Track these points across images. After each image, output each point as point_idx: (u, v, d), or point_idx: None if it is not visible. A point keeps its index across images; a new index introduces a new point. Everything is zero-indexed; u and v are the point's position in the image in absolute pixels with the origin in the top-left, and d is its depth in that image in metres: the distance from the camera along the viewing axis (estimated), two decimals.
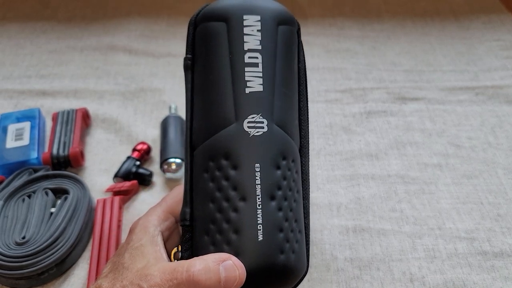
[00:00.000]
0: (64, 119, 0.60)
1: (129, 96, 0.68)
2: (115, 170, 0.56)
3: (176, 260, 0.36)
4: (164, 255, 0.35)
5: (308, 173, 0.38)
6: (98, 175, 0.57)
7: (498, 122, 0.64)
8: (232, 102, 0.34)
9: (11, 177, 0.52)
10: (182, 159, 0.55)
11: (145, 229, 0.37)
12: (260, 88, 0.34)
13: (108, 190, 0.54)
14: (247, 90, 0.34)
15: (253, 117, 0.34)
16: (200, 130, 0.36)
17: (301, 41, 0.39)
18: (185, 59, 0.37)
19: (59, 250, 0.45)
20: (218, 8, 0.36)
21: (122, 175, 0.55)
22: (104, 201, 0.52)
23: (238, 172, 0.33)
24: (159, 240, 0.36)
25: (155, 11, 0.86)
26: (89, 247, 0.49)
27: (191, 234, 0.35)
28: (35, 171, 0.53)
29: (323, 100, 0.68)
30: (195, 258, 0.32)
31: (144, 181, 0.55)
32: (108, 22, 0.82)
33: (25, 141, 0.56)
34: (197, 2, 0.83)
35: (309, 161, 0.38)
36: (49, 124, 0.62)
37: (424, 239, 0.50)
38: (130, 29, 0.81)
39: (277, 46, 0.36)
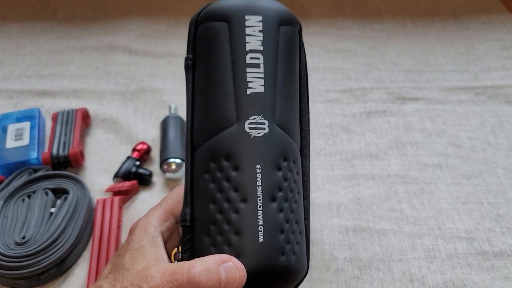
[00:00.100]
0: (64, 119, 0.60)
1: (129, 96, 0.68)
2: (115, 170, 0.56)
3: (176, 261, 0.36)
4: (165, 256, 0.35)
5: (309, 174, 0.38)
6: (98, 175, 0.57)
7: (498, 122, 0.64)
8: (233, 103, 0.34)
9: (11, 177, 0.52)
10: (182, 159, 0.55)
11: (145, 230, 0.37)
12: (262, 89, 0.34)
13: (108, 190, 0.54)
14: (249, 91, 0.34)
15: (254, 118, 0.34)
16: (201, 131, 0.36)
17: (302, 42, 0.39)
18: (186, 59, 0.37)
19: (59, 250, 0.45)
20: (219, 8, 0.36)
21: (122, 175, 0.55)
22: (104, 201, 0.52)
23: (239, 173, 0.33)
24: (160, 241, 0.36)
25: (155, 11, 0.86)
26: (89, 247, 0.49)
27: (191, 235, 0.35)
28: (35, 171, 0.53)
29: (323, 100, 0.68)
30: (196, 259, 0.32)
31: (144, 181, 0.55)
32: (108, 22, 0.82)
33: (25, 141, 0.56)
34: (198, 2, 0.83)
35: (309, 161, 0.38)
36: (49, 124, 0.62)
37: (424, 239, 0.50)
38: (130, 29, 0.81)
39: (278, 47, 0.36)
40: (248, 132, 0.34)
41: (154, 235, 0.37)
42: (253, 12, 0.35)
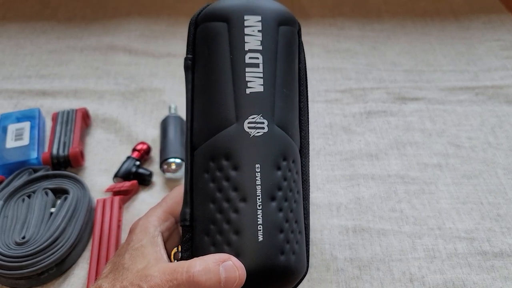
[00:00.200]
0: (64, 119, 0.60)
1: (129, 96, 0.68)
2: (115, 170, 0.56)
3: (176, 261, 0.36)
4: (164, 256, 0.35)
5: (308, 173, 0.38)
6: (98, 175, 0.57)
7: (498, 122, 0.64)
8: (232, 102, 0.34)
9: (11, 177, 0.52)
10: (182, 159, 0.55)
11: (145, 230, 0.37)
12: (261, 89, 0.34)
13: (108, 190, 0.54)
14: (248, 91, 0.34)
15: (253, 118, 0.34)
16: (201, 131, 0.36)
17: (301, 42, 0.39)
18: (186, 59, 0.37)
19: (59, 250, 0.45)
20: (219, 8, 0.36)
21: (122, 175, 0.55)
22: (104, 201, 0.52)
23: (239, 173, 0.33)
24: (159, 241, 0.36)
25: (155, 11, 0.86)
26: (89, 247, 0.49)
27: (191, 234, 0.35)
28: (35, 171, 0.53)
29: (323, 100, 0.68)
30: (195, 259, 0.32)
31: (144, 181, 0.55)
32: (108, 22, 0.82)
33: (25, 141, 0.56)
34: (197, 2, 0.83)
35: (309, 161, 0.38)
36: (49, 124, 0.62)
37: (424, 239, 0.50)
38: (130, 29, 0.81)
39: (277, 47, 0.36)
40: (248, 132, 0.34)
41: (154, 235, 0.37)
42: (252, 12, 0.35)
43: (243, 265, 0.32)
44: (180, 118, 0.61)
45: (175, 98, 0.67)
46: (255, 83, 0.34)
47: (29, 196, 0.50)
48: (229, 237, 0.32)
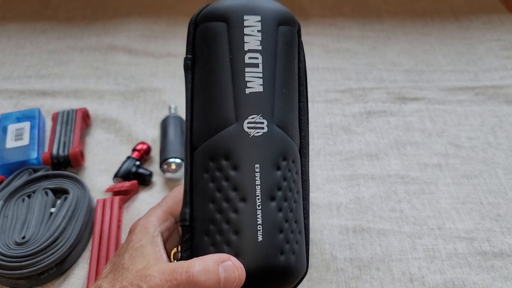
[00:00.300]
0: (64, 119, 0.60)
1: (129, 96, 0.68)
2: (115, 170, 0.56)
3: (175, 261, 0.36)
4: (164, 256, 0.35)
5: (308, 173, 0.38)
6: (98, 175, 0.57)
7: (498, 122, 0.64)
8: (232, 102, 0.34)
9: (11, 177, 0.53)
10: (182, 159, 0.55)
11: (145, 230, 0.37)
12: (260, 89, 0.34)
13: (108, 190, 0.54)
14: (247, 91, 0.34)
15: (253, 118, 0.34)
16: (200, 130, 0.36)
17: (301, 42, 0.39)
18: (185, 59, 0.37)
19: (59, 250, 0.45)
20: (218, 8, 0.36)
21: (122, 175, 0.55)
22: (104, 201, 0.52)
23: (238, 173, 0.33)
24: (159, 241, 0.36)
25: (155, 11, 0.86)
26: (89, 247, 0.49)
27: (190, 234, 0.35)
28: (35, 171, 0.53)
29: (323, 100, 0.68)
30: (195, 259, 0.32)
31: (144, 181, 0.55)
32: (108, 22, 0.82)
33: (25, 141, 0.56)
34: (197, 2, 0.83)
35: (309, 161, 0.38)
36: (49, 124, 0.62)
37: (424, 239, 0.50)
38: (130, 29, 0.81)
39: (277, 47, 0.36)
40: (247, 132, 0.34)
41: (154, 235, 0.37)
42: (252, 12, 0.35)
43: (242, 265, 0.31)
44: (180, 118, 0.61)
45: (175, 98, 0.67)
46: (254, 83, 0.34)
47: (29, 196, 0.50)
48: (228, 237, 0.32)
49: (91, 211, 0.51)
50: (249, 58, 0.35)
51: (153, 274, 0.31)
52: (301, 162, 0.38)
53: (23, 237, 0.45)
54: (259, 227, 0.32)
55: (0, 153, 0.55)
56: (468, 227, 0.51)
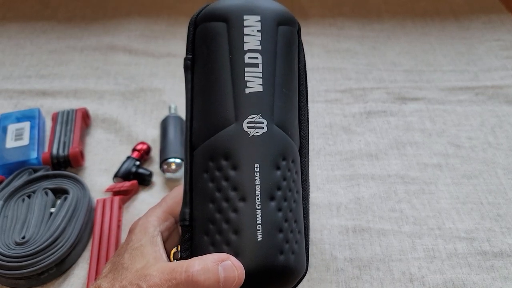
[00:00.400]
0: (64, 119, 0.60)
1: (129, 96, 0.68)
2: (115, 170, 0.56)
3: (175, 260, 0.36)
4: (164, 256, 0.35)
5: (308, 173, 0.38)
6: (98, 175, 0.57)
7: (498, 122, 0.64)
8: (232, 102, 0.34)
9: (11, 177, 0.53)
10: (181, 159, 0.55)
11: (144, 230, 0.37)
12: (260, 89, 0.34)
13: (108, 190, 0.54)
14: (247, 91, 0.34)
15: (252, 118, 0.34)
16: (200, 130, 0.36)
17: (301, 42, 0.39)
18: (185, 59, 0.37)
19: (59, 250, 0.45)
20: (218, 8, 0.36)
21: (122, 175, 0.55)
22: (104, 201, 0.52)
23: (238, 173, 0.33)
24: (159, 241, 0.36)
25: (155, 11, 0.86)
26: (89, 247, 0.49)
27: (190, 234, 0.35)
28: (35, 171, 0.53)
29: (323, 100, 0.68)
30: (194, 258, 0.32)
31: (144, 181, 0.55)
32: (108, 22, 0.82)
33: (25, 141, 0.56)
34: (197, 2, 0.83)
35: (309, 161, 0.38)
36: (49, 124, 0.62)
37: (423, 239, 0.50)
38: (130, 29, 0.81)
39: (277, 47, 0.36)
40: (247, 131, 0.34)
41: (154, 235, 0.37)
42: (252, 12, 0.35)
43: (242, 264, 0.31)
44: (180, 118, 0.61)
45: (175, 98, 0.67)
46: (254, 83, 0.34)
47: (29, 196, 0.50)
48: (228, 236, 0.32)
49: (91, 211, 0.51)
50: (249, 58, 0.35)
51: (153, 273, 0.32)
52: (301, 162, 0.38)
53: (23, 237, 0.45)
54: (259, 227, 0.32)
55: (0, 153, 0.55)
56: (468, 227, 0.51)
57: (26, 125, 0.58)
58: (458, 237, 0.50)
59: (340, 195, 0.54)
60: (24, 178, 0.52)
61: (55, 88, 0.69)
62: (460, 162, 0.58)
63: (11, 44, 0.78)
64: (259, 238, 0.32)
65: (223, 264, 0.31)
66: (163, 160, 0.55)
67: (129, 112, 0.65)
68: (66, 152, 0.56)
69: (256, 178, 0.33)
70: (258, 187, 0.33)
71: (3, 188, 0.51)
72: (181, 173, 0.55)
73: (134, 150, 0.58)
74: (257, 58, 0.35)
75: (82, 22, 0.83)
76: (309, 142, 0.39)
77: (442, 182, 0.56)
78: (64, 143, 0.57)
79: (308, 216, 0.38)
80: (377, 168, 0.58)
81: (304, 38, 0.40)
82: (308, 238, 0.37)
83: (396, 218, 0.52)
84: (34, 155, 0.55)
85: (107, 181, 0.56)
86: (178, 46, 0.77)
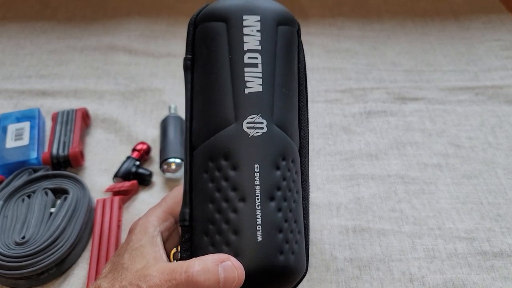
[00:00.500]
0: (64, 119, 0.60)
1: (129, 96, 0.68)
2: (115, 170, 0.56)
3: (175, 261, 0.36)
4: (164, 256, 0.35)
5: (308, 173, 0.38)
6: (98, 175, 0.57)
7: (498, 122, 0.64)
8: (231, 102, 0.34)
9: (11, 177, 0.53)
10: (181, 159, 0.55)
11: (144, 230, 0.37)
12: (260, 89, 0.34)
13: (108, 190, 0.54)
14: (247, 91, 0.34)
15: (252, 118, 0.34)
16: (200, 130, 0.36)
17: (301, 42, 0.39)
18: (185, 59, 0.37)
19: (59, 250, 0.45)
20: (218, 8, 0.36)
21: (122, 175, 0.55)
22: (104, 201, 0.52)
23: (238, 173, 0.33)
24: (159, 241, 0.36)
25: (155, 11, 0.86)
26: (89, 247, 0.49)
27: (190, 234, 0.35)
28: (35, 171, 0.53)
29: (323, 100, 0.68)
30: (194, 259, 0.32)
31: (144, 181, 0.55)
32: (108, 22, 0.82)
33: (25, 141, 0.56)
34: (197, 2, 0.83)
35: (309, 161, 0.38)
36: (49, 124, 0.62)
37: (423, 239, 0.50)
38: (130, 29, 0.81)
39: (277, 47, 0.36)
40: (246, 132, 0.34)
41: (154, 235, 0.37)
42: (251, 12, 0.35)
43: (242, 265, 0.31)
44: (180, 118, 0.61)
45: (175, 98, 0.67)
46: (254, 83, 0.34)
47: (29, 196, 0.50)
48: (228, 237, 0.32)
49: (91, 211, 0.51)
50: (249, 58, 0.35)
51: (153, 274, 0.32)
52: (301, 162, 0.38)
53: (23, 237, 0.45)
54: (259, 227, 0.32)
55: (0, 153, 0.55)
56: (468, 227, 0.51)
57: (26, 125, 0.58)
58: (458, 237, 0.50)
59: (340, 195, 0.54)
60: (24, 178, 0.52)
61: (55, 88, 0.69)
62: (460, 162, 0.58)
63: (11, 44, 0.78)
64: (259, 238, 0.32)
65: (223, 265, 0.31)
66: (163, 160, 0.55)
67: (129, 112, 0.65)
68: (66, 152, 0.56)
69: (256, 178, 0.33)
70: (258, 187, 0.33)
71: (3, 188, 0.51)
72: (181, 173, 0.55)
73: (134, 150, 0.58)
74: (256, 58, 0.35)
75: (82, 22, 0.83)
76: (309, 142, 0.39)
77: (442, 182, 0.56)
78: (64, 143, 0.57)
79: (308, 216, 0.38)
80: (377, 168, 0.58)
81: (304, 38, 0.40)
82: (308, 238, 0.37)
83: (396, 218, 0.52)
84: (34, 155, 0.55)
85: (107, 181, 0.56)
86: (178, 46, 0.77)
